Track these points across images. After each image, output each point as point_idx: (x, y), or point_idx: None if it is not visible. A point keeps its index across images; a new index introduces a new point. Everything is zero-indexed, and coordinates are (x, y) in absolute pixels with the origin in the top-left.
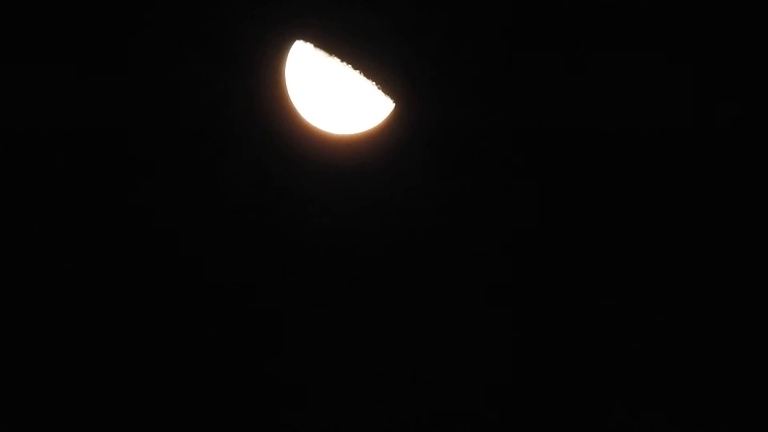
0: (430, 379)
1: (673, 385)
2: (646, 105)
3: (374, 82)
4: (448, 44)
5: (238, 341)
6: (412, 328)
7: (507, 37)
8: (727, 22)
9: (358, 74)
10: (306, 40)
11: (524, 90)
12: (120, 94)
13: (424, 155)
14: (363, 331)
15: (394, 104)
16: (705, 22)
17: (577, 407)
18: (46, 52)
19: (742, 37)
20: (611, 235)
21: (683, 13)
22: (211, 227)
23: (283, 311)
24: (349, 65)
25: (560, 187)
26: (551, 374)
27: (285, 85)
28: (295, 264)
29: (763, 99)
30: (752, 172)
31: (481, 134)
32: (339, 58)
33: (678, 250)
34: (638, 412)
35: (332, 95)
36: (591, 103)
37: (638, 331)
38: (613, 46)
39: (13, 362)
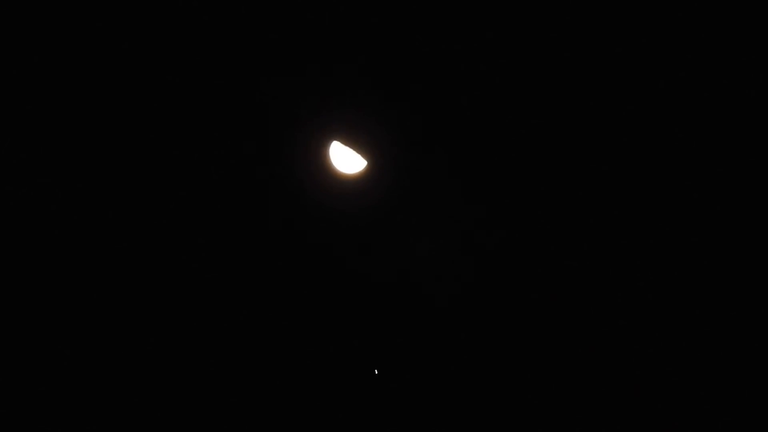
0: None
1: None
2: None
3: (363, 154)
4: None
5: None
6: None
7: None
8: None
9: (358, 154)
10: (335, 138)
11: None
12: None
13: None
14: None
15: (366, 162)
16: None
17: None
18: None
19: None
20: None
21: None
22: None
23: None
24: (352, 148)
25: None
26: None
27: (328, 154)
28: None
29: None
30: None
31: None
32: (348, 145)
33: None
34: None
35: (346, 156)
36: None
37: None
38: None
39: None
